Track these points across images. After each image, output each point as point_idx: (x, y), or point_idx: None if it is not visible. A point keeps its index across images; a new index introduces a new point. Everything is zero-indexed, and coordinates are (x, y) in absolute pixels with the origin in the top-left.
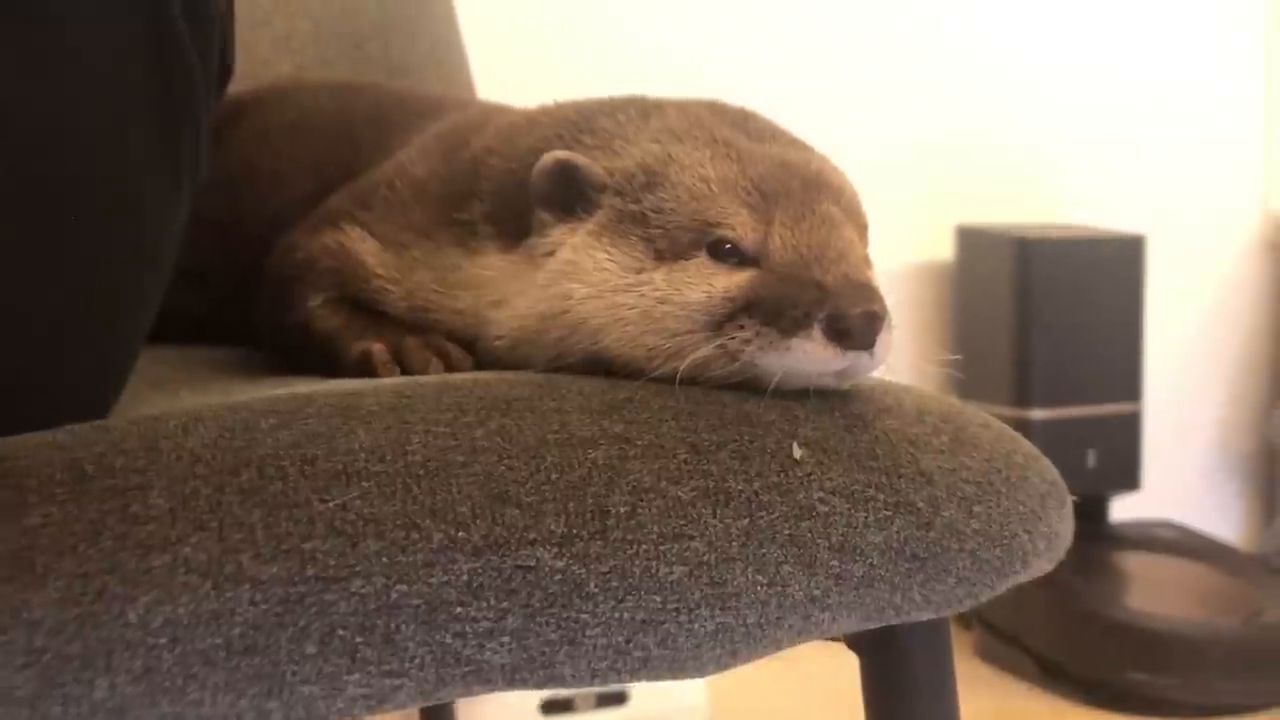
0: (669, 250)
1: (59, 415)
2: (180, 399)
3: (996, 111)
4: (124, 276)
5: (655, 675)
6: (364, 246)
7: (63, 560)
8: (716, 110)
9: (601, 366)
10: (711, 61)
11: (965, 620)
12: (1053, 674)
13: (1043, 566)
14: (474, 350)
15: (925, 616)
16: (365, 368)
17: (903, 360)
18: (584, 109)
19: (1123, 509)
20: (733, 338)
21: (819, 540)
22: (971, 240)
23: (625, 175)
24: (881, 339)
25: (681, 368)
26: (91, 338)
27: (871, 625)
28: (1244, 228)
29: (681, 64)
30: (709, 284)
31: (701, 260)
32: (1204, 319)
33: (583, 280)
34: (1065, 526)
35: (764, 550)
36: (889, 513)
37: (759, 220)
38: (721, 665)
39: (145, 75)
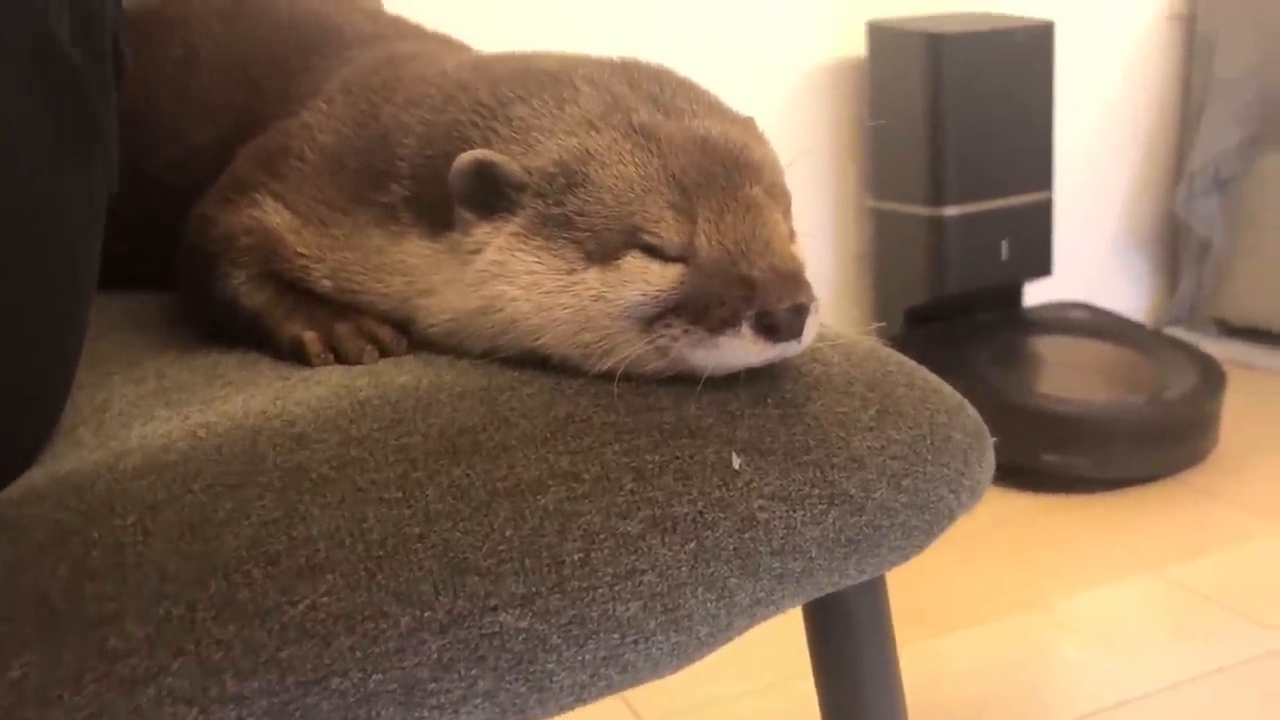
0: (598, 251)
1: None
2: (115, 389)
3: None
4: (57, 303)
5: (618, 691)
6: (281, 221)
7: (52, 711)
8: (632, 81)
9: (537, 359)
10: None
11: None
12: None
13: (965, 513)
14: (407, 332)
15: (861, 581)
16: (298, 355)
17: (822, 160)
18: (498, 91)
19: (1036, 293)
20: (662, 335)
21: (761, 548)
22: (883, 36)
23: (545, 176)
24: (809, 325)
25: (616, 366)
26: (29, 359)
27: (811, 599)
28: (1151, 1)
29: None
30: (643, 282)
31: (632, 259)
32: (1112, 100)
33: (513, 282)
34: (986, 472)
35: (711, 569)
36: (824, 506)
37: (684, 219)
38: (678, 669)
39: (42, 107)
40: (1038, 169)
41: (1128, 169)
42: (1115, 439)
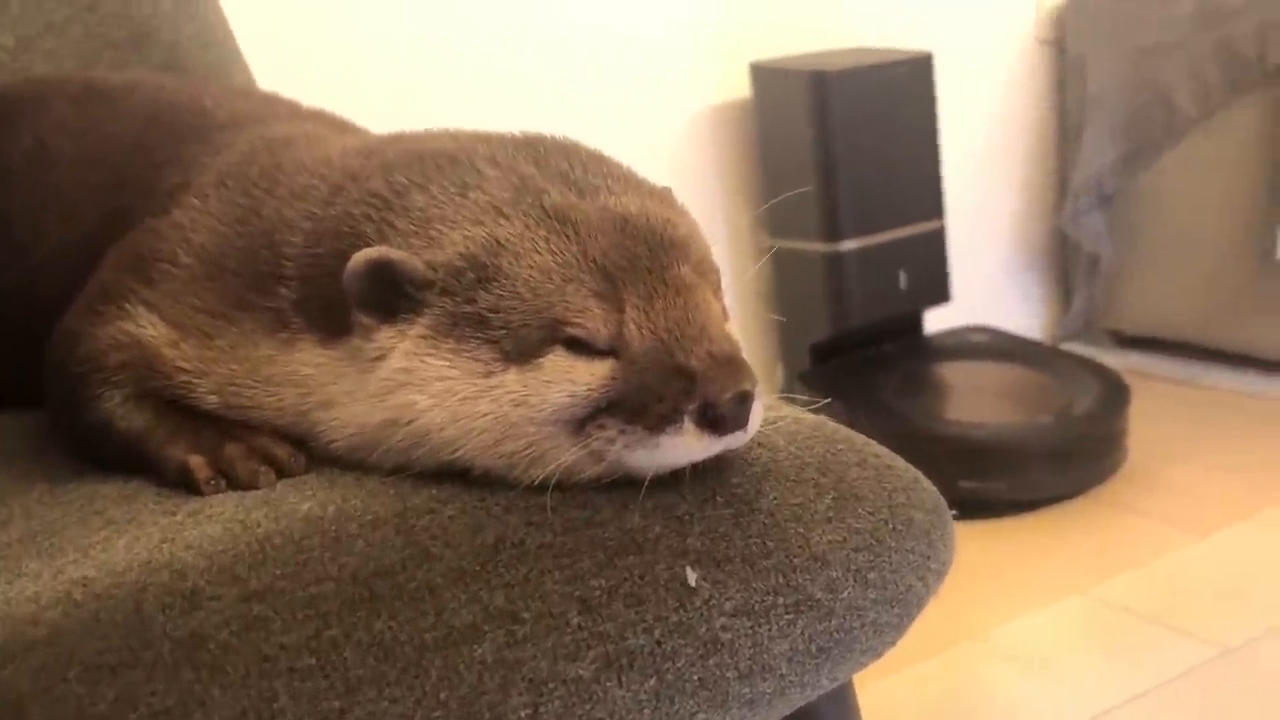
0: (517, 351)
1: None
2: None
3: None
4: None
5: None
6: (158, 334)
7: None
8: (540, 160)
9: (456, 472)
10: None
11: None
12: None
13: (933, 597)
14: (306, 447)
15: (832, 688)
16: (186, 482)
17: (716, 202)
18: (393, 180)
19: (936, 320)
20: (596, 438)
21: (728, 674)
22: (766, 78)
23: (451, 271)
24: (754, 413)
25: (547, 476)
26: None
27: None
28: (1021, 27)
29: None
30: (569, 382)
31: (555, 357)
32: (993, 126)
33: (423, 390)
34: (950, 550)
35: (676, 706)
36: (791, 615)
37: (610, 308)
38: None
39: None
40: (928, 198)
41: (1014, 191)
42: (1029, 460)
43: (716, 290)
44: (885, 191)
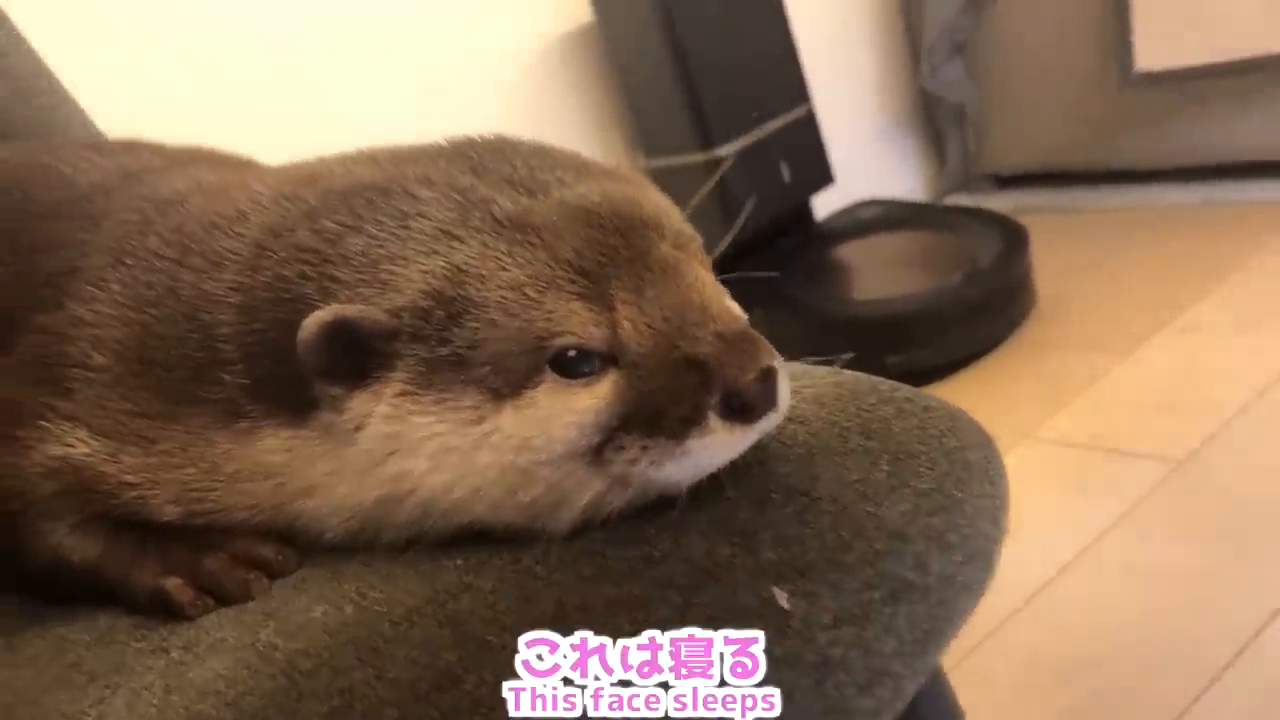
0: (506, 385)
1: None
2: None
3: None
4: None
5: None
6: (91, 450)
7: None
8: (476, 167)
9: (472, 531)
10: None
11: None
12: None
13: (1006, 535)
14: (291, 541)
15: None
16: (165, 608)
17: (585, 132)
18: (319, 226)
19: (824, 204)
20: (616, 463)
21: (847, 692)
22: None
23: (416, 313)
24: (782, 388)
25: (576, 520)
26: None
27: None
28: None
29: None
30: (570, 411)
31: (550, 383)
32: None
33: (417, 453)
34: (1005, 479)
35: None
36: (890, 608)
37: (599, 308)
38: None
39: None
40: (792, 85)
41: (872, 60)
42: (949, 322)
43: (703, 261)
44: (749, 88)
